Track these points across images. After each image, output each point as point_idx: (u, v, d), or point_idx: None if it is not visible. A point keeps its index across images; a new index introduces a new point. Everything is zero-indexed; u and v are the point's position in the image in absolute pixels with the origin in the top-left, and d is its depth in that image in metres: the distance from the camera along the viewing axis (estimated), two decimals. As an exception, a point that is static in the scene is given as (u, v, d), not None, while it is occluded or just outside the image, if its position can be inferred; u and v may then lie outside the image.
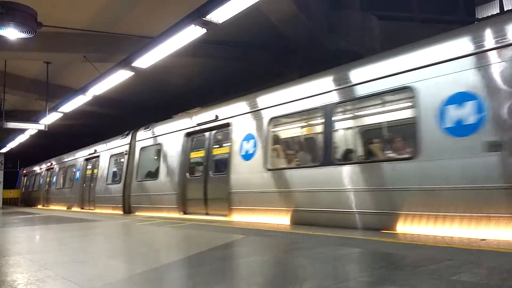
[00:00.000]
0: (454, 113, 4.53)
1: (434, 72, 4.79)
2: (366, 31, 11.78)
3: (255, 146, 7.10)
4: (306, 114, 6.83)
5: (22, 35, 6.95)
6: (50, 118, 13.11)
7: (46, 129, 13.22)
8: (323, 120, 6.11)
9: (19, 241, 5.92)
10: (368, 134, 6.71)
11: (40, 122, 13.26)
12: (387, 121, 6.34)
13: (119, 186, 11.59)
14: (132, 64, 8.34)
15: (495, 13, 15.22)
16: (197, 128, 8.89)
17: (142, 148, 11.02)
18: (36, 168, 22.49)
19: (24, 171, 25.31)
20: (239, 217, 7.24)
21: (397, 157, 5.44)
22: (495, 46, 4.35)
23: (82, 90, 10.82)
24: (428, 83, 4.85)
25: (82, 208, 14.46)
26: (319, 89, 6.20)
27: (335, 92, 5.97)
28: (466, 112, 4.44)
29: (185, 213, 8.81)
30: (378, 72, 5.45)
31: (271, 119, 6.96)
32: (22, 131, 15.43)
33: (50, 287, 2.75)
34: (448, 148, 4.55)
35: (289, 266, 3.35)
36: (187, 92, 14.93)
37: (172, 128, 9.76)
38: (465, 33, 4.72)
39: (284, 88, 7.01)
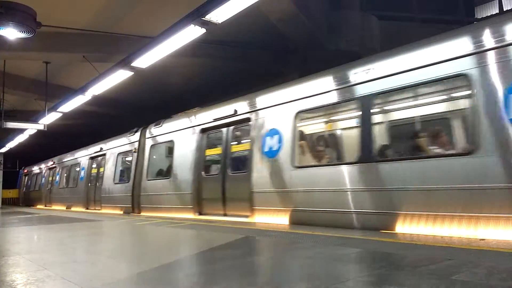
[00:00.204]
0: None
1: (496, 57, 4.31)
2: (366, 31, 11.78)
3: (280, 142, 6.62)
4: (339, 107, 6.27)
5: (22, 35, 6.95)
6: (49, 118, 13.10)
7: (45, 129, 13.20)
8: (361, 113, 5.57)
9: (18, 241, 5.91)
10: (415, 127, 5.98)
11: (39, 122, 13.24)
12: (438, 113, 5.80)
13: (128, 186, 11.16)
14: (132, 64, 8.34)
15: (494, 13, 15.23)
16: (213, 123, 8.38)
17: (153, 146, 10.56)
18: (38, 167, 22.03)
19: (25, 171, 24.92)
20: (263, 218, 6.75)
21: (450, 152, 4.95)
22: None
23: (82, 90, 10.82)
24: (488, 69, 4.35)
25: (87, 208, 14.06)
26: (356, 79, 5.68)
27: (375, 81, 5.42)
28: None
29: (200, 213, 8.35)
30: (427, 58, 4.90)
31: (299, 113, 6.47)
32: (21, 131, 15.42)
33: (49, 287, 2.74)
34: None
35: (289, 266, 3.35)
36: (186, 92, 14.92)
37: (186, 124, 9.29)
38: None
39: (313, 79, 6.48)
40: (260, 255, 4.00)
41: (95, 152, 14.19)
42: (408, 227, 4.78)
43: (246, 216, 7.06)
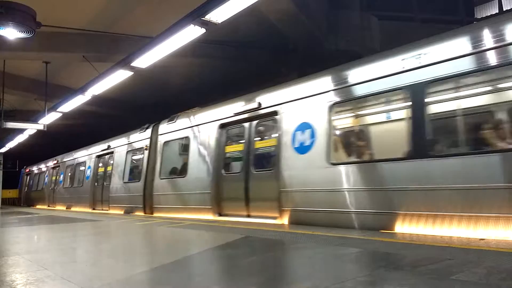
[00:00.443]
0: None
1: None
2: (365, 31, 11.79)
3: (313, 136, 6.06)
4: (384, 97, 5.65)
5: (21, 35, 6.95)
6: (49, 118, 13.10)
7: (45, 129, 13.20)
8: (411, 103, 5.05)
9: (18, 241, 5.91)
10: (479, 118, 5.26)
11: (39, 122, 13.24)
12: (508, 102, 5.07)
13: (139, 185, 10.56)
14: (131, 64, 8.33)
15: (494, 13, 15.24)
16: (234, 118, 7.81)
17: (166, 143, 9.97)
18: (40, 167, 21.48)
19: (27, 170, 24.48)
20: (294, 220, 6.20)
21: None
22: None
23: (81, 90, 10.81)
24: None
25: (94, 209, 13.53)
26: (404, 66, 5.15)
27: (430, 67, 4.88)
28: None
29: (220, 214, 7.77)
30: (498, 38, 4.37)
31: (334, 105, 5.93)
32: (21, 131, 15.41)
33: (49, 287, 2.74)
34: None
35: (288, 266, 3.35)
36: (186, 92, 14.92)
37: (202, 120, 8.73)
38: None
39: (352, 67, 5.94)
40: (259, 255, 4.00)
41: (102, 150, 13.64)
42: (473, 231, 4.25)
43: (274, 218, 6.51)
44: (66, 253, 4.45)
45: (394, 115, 6.03)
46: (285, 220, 6.30)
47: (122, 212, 11.17)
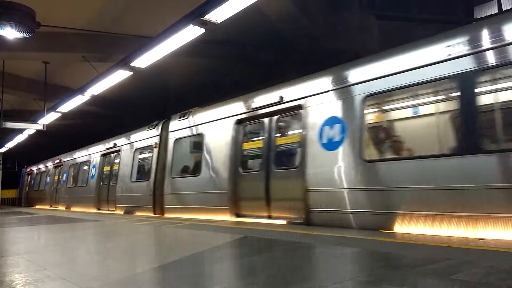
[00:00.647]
0: None
1: None
2: (365, 31, 11.80)
3: (343, 131, 5.64)
4: (426, 87, 5.24)
5: (20, 35, 6.95)
6: (49, 118, 13.12)
7: (45, 129, 13.20)
8: (459, 94, 4.61)
9: (17, 241, 5.91)
10: None
11: (38, 122, 13.25)
12: None
13: (148, 184, 10.13)
14: (131, 64, 8.33)
15: (493, 13, 15.25)
16: (252, 113, 7.42)
17: (177, 140, 9.53)
18: (42, 166, 20.99)
19: (28, 169, 24.03)
20: (322, 221, 5.77)
21: None
22: None
23: (81, 90, 10.82)
24: None
25: (99, 209, 13.06)
26: (450, 53, 4.71)
27: (483, 53, 4.46)
28: None
29: (238, 215, 7.37)
30: None
31: (368, 97, 5.49)
32: (20, 131, 15.41)
33: (48, 287, 2.74)
34: None
35: (288, 266, 3.35)
36: (186, 92, 14.91)
37: (217, 115, 8.30)
38: None
39: (387, 57, 5.47)
40: (259, 255, 4.00)
41: (107, 149, 13.17)
42: None
43: (299, 219, 6.13)
44: (66, 253, 4.45)
45: (438, 108, 5.59)
46: (311, 221, 5.88)
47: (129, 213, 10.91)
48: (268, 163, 6.92)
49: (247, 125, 7.72)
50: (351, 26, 11.58)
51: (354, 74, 5.76)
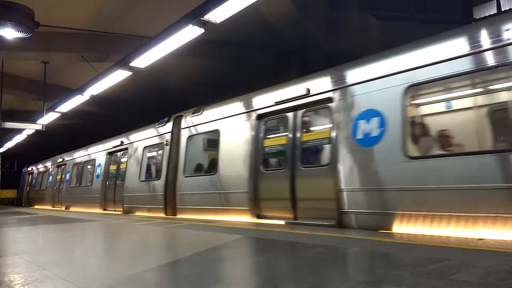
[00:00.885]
0: None
1: None
2: (364, 31, 11.81)
3: (382, 126, 5.14)
4: (480, 76, 4.78)
5: (20, 34, 6.95)
6: (48, 118, 13.11)
7: (44, 129, 13.20)
8: None
9: (16, 241, 5.89)
10: None
11: (37, 122, 13.25)
12: None
13: (159, 184, 9.64)
14: (130, 64, 8.33)
15: (492, 13, 15.28)
16: (275, 108, 6.95)
17: (190, 137, 9.06)
18: (44, 165, 20.44)
19: (29, 169, 23.55)
20: (358, 224, 5.36)
21: None
22: None
23: (80, 90, 10.81)
24: None
25: (105, 210, 12.59)
26: (510, 37, 4.23)
27: None
28: None
29: (259, 217, 6.91)
30: None
31: (411, 87, 5.01)
32: (19, 131, 15.40)
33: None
34: None
35: (287, 266, 3.34)
36: (186, 92, 14.91)
37: (235, 110, 7.81)
38: None
39: (432, 43, 4.96)
40: (259, 256, 4.00)
41: (114, 147, 12.66)
42: None
43: (330, 221, 5.67)
44: (65, 253, 4.44)
45: (496, 98, 5.15)
46: (344, 223, 5.45)
47: (140, 213, 10.40)
48: (293, 160, 6.44)
49: (268, 120, 7.26)
50: (351, 26, 11.59)
51: (395, 63, 5.26)
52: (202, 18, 6.04)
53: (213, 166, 8.24)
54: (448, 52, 4.72)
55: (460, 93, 5.44)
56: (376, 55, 5.66)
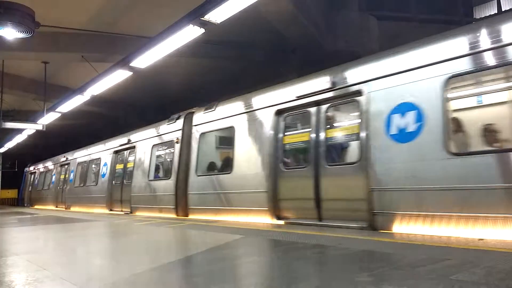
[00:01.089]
0: None
1: None
2: (364, 31, 11.81)
3: (420, 120, 4.78)
4: None
5: (20, 35, 6.95)
6: (48, 118, 13.12)
7: (44, 129, 13.21)
8: None
9: (17, 241, 5.90)
10: None
11: (38, 122, 13.26)
12: None
13: (169, 183, 9.27)
14: (130, 64, 8.34)
15: (492, 13, 15.27)
16: (296, 102, 6.56)
17: (203, 134, 8.70)
18: (47, 164, 20.00)
19: (31, 168, 23.18)
20: (395, 226, 4.88)
21: None
22: None
23: (80, 90, 10.82)
24: None
25: (111, 210, 12.21)
26: None
27: None
28: None
29: (279, 218, 6.53)
30: None
31: (452, 78, 4.63)
32: (19, 131, 15.40)
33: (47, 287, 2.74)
34: None
35: (287, 266, 3.34)
36: (186, 92, 14.93)
37: (252, 106, 7.47)
38: None
39: (478, 29, 4.57)
40: (259, 256, 4.00)
41: (120, 145, 12.27)
42: None
43: (360, 222, 5.25)
44: (66, 253, 4.45)
45: None
46: (377, 225, 5.07)
47: (148, 214, 10.01)
48: (317, 158, 6.05)
49: (289, 116, 6.87)
50: (351, 26, 11.59)
51: (434, 52, 4.86)
52: (202, 18, 6.05)
53: (228, 164, 7.91)
54: (495, 40, 4.34)
55: (508, 85, 5.01)
56: (411, 44, 5.26)
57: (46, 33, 9.35)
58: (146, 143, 10.77)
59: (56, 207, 17.34)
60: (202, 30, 6.44)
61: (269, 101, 7.09)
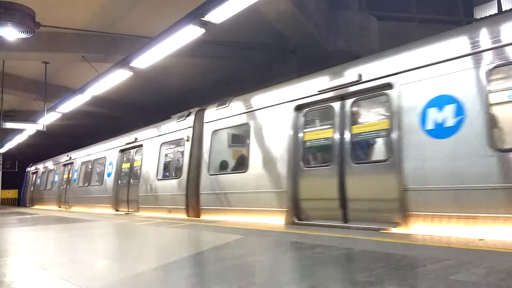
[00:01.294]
0: None
1: None
2: (365, 31, 11.81)
3: (461, 113, 4.43)
4: None
5: (20, 35, 6.95)
6: (49, 118, 13.12)
7: (45, 129, 13.22)
8: None
9: (17, 241, 5.90)
10: None
11: (38, 122, 13.26)
12: None
13: (180, 182, 8.94)
14: (131, 64, 8.33)
15: (493, 13, 15.27)
16: (318, 97, 6.18)
17: (215, 132, 8.33)
18: (49, 164, 19.61)
19: (33, 168, 22.88)
20: (428, 228, 4.56)
21: None
22: None
23: (81, 90, 10.82)
24: None
25: (117, 210, 11.91)
26: None
27: None
28: None
29: (299, 218, 6.16)
30: None
31: (496, 68, 4.30)
32: (20, 131, 15.41)
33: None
34: None
35: (287, 266, 3.35)
36: (186, 92, 14.94)
37: (269, 101, 7.07)
38: None
39: None
40: (259, 256, 3.99)
41: (127, 144, 11.90)
42: None
43: (394, 225, 4.91)
44: (66, 253, 4.45)
45: None
46: (413, 227, 4.71)
47: (157, 214, 9.57)
48: (342, 156, 5.69)
49: (309, 111, 6.48)
50: (351, 26, 11.59)
51: (474, 41, 4.51)
52: (202, 19, 6.04)
53: (243, 163, 7.56)
54: None
55: None
56: (449, 32, 4.89)
57: (46, 33, 9.37)
58: (154, 142, 10.42)
59: (59, 207, 17.15)
60: (203, 30, 6.44)
61: (288, 96, 6.71)
